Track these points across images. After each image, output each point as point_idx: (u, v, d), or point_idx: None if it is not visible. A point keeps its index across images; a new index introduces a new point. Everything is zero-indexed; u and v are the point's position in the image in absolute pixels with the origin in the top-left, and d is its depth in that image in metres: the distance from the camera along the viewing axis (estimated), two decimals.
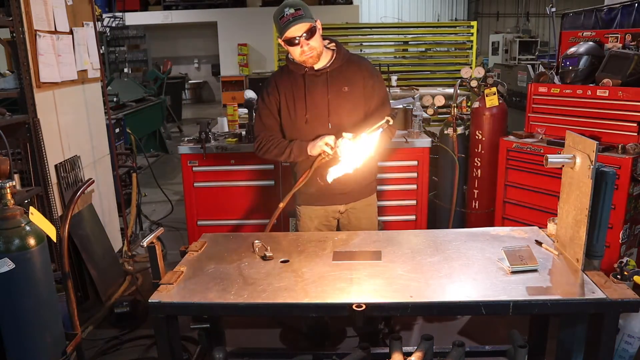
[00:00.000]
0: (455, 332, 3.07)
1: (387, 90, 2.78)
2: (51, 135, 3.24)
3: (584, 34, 3.81)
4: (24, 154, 3.02)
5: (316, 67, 2.43)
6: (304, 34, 2.29)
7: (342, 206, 2.64)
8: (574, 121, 3.31)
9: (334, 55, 2.46)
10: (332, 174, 2.31)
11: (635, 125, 3.06)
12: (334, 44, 2.50)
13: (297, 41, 2.30)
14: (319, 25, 2.35)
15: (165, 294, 1.85)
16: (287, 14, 2.26)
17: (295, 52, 2.36)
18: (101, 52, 5.44)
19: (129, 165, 4.77)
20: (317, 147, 2.38)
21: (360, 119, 2.44)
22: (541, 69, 5.10)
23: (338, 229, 2.72)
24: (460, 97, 4.68)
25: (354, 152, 2.29)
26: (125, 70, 12.26)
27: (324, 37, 2.43)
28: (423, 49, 7.98)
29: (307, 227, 2.66)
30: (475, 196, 3.90)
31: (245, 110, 3.86)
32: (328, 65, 2.44)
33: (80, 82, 3.65)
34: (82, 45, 3.66)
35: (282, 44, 2.38)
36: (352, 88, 2.42)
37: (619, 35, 3.56)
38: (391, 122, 2.32)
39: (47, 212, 3.04)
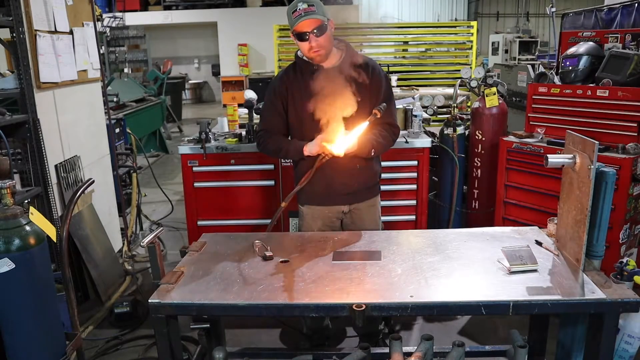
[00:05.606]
0: (455, 332, 3.07)
1: (393, 91, 2.80)
2: (51, 135, 3.24)
3: (584, 34, 3.81)
4: (24, 154, 3.02)
5: (325, 66, 2.46)
6: (314, 30, 2.32)
7: (345, 207, 2.65)
8: (573, 121, 3.30)
9: (343, 55, 2.49)
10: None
11: (635, 125, 3.05)
12: (343, 44, 2.53)
13: (306, 37, 2.33)
14: (331, 24, 2.39)
15: (165, 294, 1.85)
16: (299, 9, 2.30)
17: (304, 47, 2.39)
18: (101, 52, 5.45)
19: (129, 165, 4.77)
20: (315, 148, 2.41)
21: (366, 119, 2.46)
22: (541, 69, 5.10)
23: (341, 229, 2.72)
24: (460, 97, 4.69)
25: (348, 143, 2.37)
26: (125, 70, 12.23)
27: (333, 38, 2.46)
28: (423, 49, 7.99)
29: (310, 226, 2.66)
30: (475, 196, 3.90)
31: (245, 111, 3.85)
32: (337, 64, 2.47)
33: (80, 82, 3.66)
34: (82, 45, 3.67)
35: (292, 37, 2.42)
36: (359, 88, 2.43)
37: (619, 35, 3.56)
38: (378, 116, 2.39)
39: (47, 212, 3.04)
